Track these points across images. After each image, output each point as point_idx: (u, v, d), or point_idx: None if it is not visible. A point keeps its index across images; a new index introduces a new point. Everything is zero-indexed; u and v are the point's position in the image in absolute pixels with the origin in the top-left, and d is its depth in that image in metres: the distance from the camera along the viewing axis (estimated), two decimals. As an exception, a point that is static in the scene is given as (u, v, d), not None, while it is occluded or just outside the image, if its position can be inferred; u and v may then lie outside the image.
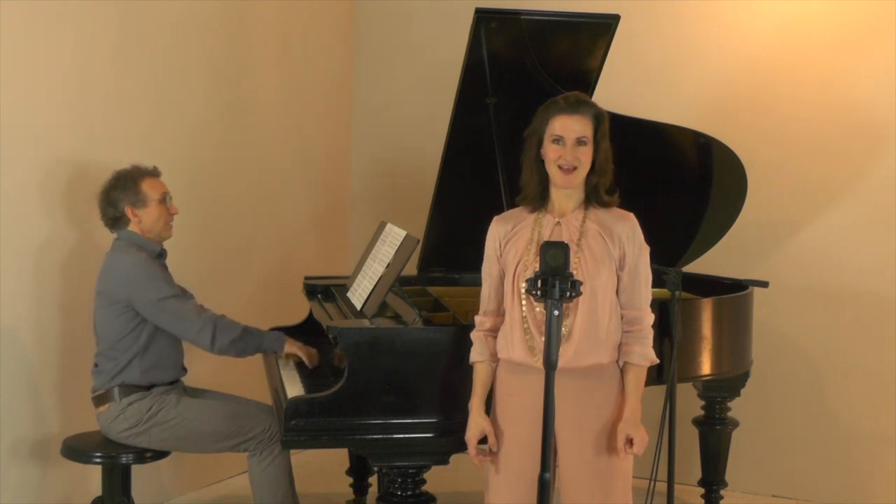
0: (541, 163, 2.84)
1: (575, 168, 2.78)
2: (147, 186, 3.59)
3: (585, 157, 2.79)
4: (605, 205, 2.86)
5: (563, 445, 2.78)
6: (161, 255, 3.65)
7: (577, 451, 2.80)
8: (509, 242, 2.87)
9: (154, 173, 3.64)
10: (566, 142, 2.78)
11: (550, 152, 2.80)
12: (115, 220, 3.60)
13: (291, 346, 3.63)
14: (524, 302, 2.78)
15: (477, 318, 2.95)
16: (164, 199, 3.62)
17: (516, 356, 2.81)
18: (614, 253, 2.81)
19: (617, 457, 2.82)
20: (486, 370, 2.91)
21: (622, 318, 2.85)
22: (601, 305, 2.78)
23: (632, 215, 2.89)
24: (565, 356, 2.73)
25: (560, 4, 3.88)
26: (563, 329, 2.75)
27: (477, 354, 2.92)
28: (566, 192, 2.85)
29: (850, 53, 4.63)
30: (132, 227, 3.59)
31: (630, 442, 2.77)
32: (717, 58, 4.86)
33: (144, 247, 3.58)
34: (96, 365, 3.61)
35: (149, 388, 3.54)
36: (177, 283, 3.73)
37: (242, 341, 3.52)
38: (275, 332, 3.67)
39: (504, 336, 2.85)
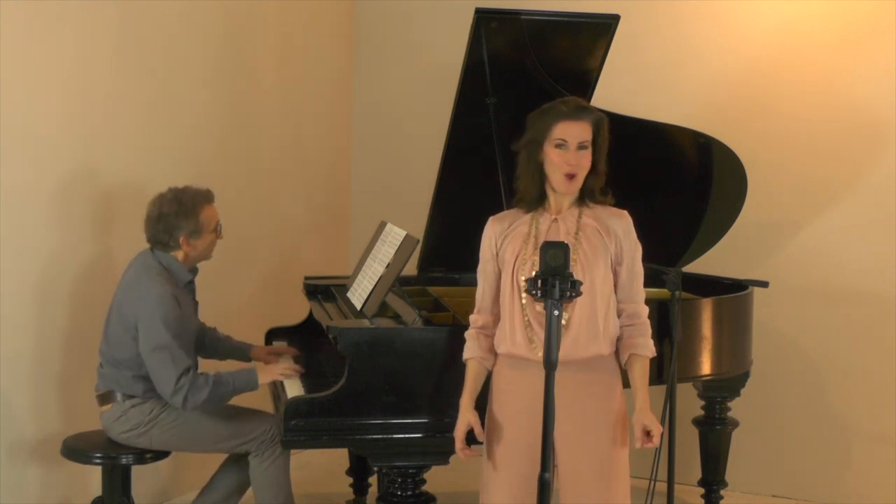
0: (540, 167, 2.85)
1: (576, 174, 2.81)
2: (205, 216, 3.54)
3: (586, 161, 2.82)
4: (598, 203, 2.89)
5: (562, 438, 2.78)
6: (191, 282, 3.61)
7: (577, 444, 2.81)
8: (506, 240, 2.89)
9: (210, 198, 3.58)
10: (569, 146, 2.80)
11: (554, 157, 2.81)
12: (163, 246, 3.53)
13: (266, 376, 3.56)
14: (523, 295, 2.79)
15: (471, 317, 2.97)
16: (216, 227, 3.60)
17: (516, 350, 2.82)
18: (610, 248, 2.85)
19: (617, 448, 2.84)
20: (478, 368, 2.92)
21: (622, 312, 2.88)
22: (599, 297, 2.81)
23: (626, 212, 2.91)
24: (564, 347, 2.73)
25: (560, 4, 3.88)
26: (562, 321, 2.76)
27: (469, 351, 2.94)
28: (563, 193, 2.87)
29: (850, 53, 4.63)
30: (177, 253, 3.54)
31: (647, 433, 2.78)
32: (717, 58, 4.86)
33: (176, 274, 3.53)
34: (101, 365, 3.60)
35: (152, 396, 3.53)
36: (199, 315, 3.71)
37: (214, 396, 3.44)
38: (246, 371, 3.56)
39: (503, 330, 2.86)
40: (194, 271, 3.65)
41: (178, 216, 3.50)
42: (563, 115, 2.82)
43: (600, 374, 2.84)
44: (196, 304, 3.73)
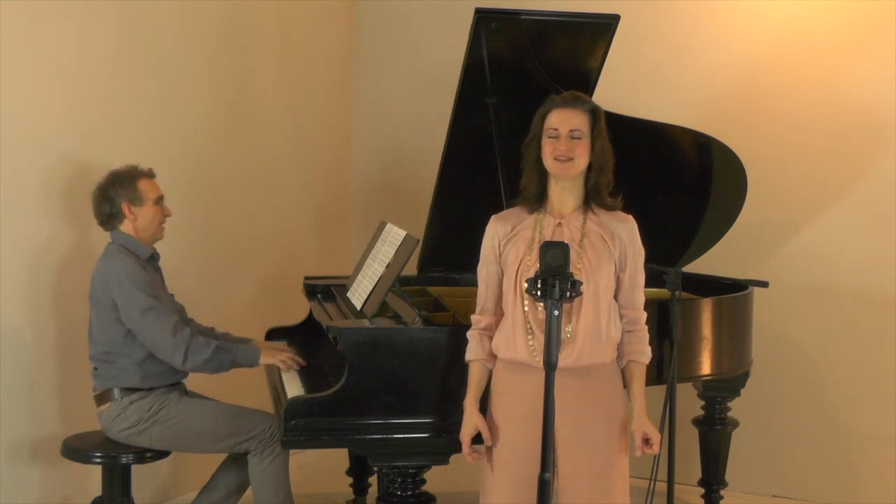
0: (541, 164, 2.85)
1: (570, 159, 2.79)
2: (144, 186, 3.62)
3: (581, 149, 2.80)
4: (608, 207, 2.87)
5: (562, 443, 2.78)
6: (153, 257, 3.67)
7: (577, 449, 2.81)
8: (509, 243, 2.88)
9: (150, 175, 3.66)
10: (560, 134, 2.79)
11: (546, 146, 2.81)
12: (109, 217, 3.60)
13: (268, 357, 3.63)
14: (526, 302, 2.78)
15: (473, 317, 2.96)
16: (159, 200, 3.66)
17: (518, 356, 2.81)
18: (614, 254, 2.83)
19: (616, 455, 2.83)
20: (481, 369, 2.92)
21: (622, 318, 2.87)
22: (603, 305, 2.80)
23: (631, 217, 2.90)
24: (570, 357, 2.75)
25: (560, 4, 3.89)
26: (567, 330, 2.76)
27: (472, 353, 2.93)
28: (565, 189, 2.85)
29: (850, 53, 4.63)
30: (126, 227, 3.60)
31: (647, 440, 2.80)
32: (717, 58, 4.86)
33: (135, 251, 3.58)
34: (95, 368, 3.61)
35: (150, 388, 3.55)
36: (169, 288, 3.73)
37: (215, 360, 3.51)
38: (249, 346, 3.65)
39: (505, 336, 2.85)
40: (155, 253, 3.68)
41: (115, 185, 3.59)
42: (556, 105, 2.84)
43: (602, 380, 2.83)
44: (171, 295, 3.74)
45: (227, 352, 3.55)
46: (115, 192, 3.58)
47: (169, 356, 3.47)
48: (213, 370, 3.55)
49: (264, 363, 3.64)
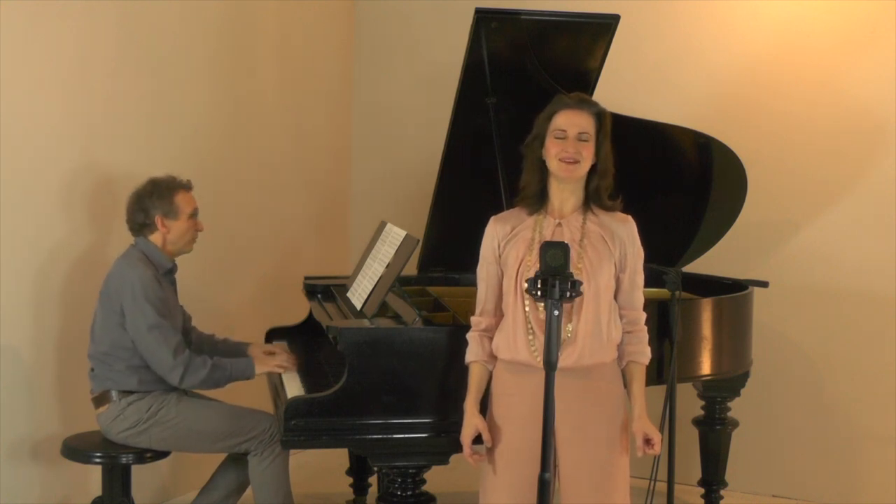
0: (542, 163, 2.84)
1: (577, 161, 2.79)
2: (181, 199, 3.61)
3: (587, 151, 2.80)
4: (607, 208, 2.87)
5: (563, 444, 2.79)
6: (171, 270, 3.66)
7: (578, 449, 2.81)
8: (509, 244, 2.88)
9: (188, 187, 3.66)
10: (568, 135, 2.79)
11: (552, 147, 2.81)
12: (141, 227, 3.59)
13: (262, 367, 3.62)
14: (527, 302, 2.78)
15: (473, 319, 2.96)
16: (194, 213, 3.65)
17: (519, 357, 2.81)
18: (615, 254, 2.83)
19: (617, 455, 2.84)
20: (482, 370, 2.91)
21: (622, 318, 2.88)
22: (603, 306, 2.81)
23: (631, 218, 2.90)
24: (570, 358, 2.75)
25: (560, 4, 3.89)
26: (568, 331, 2.76)
27: (472, 355, 2.93)
28: (566, 189, 2.85)
29: (850, 53, 4.63)
30: (156, 237, 3.59)
31: (649, 441, 2.81)
32: (716, 57, 4.86)
33: (155, 261, 3.57)
34: (92, 369, 3.60)
35: (147, 391, 3.55)
36: (179, 301, 3.72)
37: (211, 379, 3.51)
38: (243, 360, 3.63)
39: (505, 336, 2.85)
40: (174, 266, 3.67)
41: (152, 196, 3.58)
42: (564, 105, 2.84)
43: (602, 381, 2.84)
44: (181, 307, 3.73)
45: (222, 369, 3.54)
46: (152, 203, 3.57)
47: (167, 374, 3.47)
48: (209, 388, 3.56)
49: (260, 373, 3.62)
